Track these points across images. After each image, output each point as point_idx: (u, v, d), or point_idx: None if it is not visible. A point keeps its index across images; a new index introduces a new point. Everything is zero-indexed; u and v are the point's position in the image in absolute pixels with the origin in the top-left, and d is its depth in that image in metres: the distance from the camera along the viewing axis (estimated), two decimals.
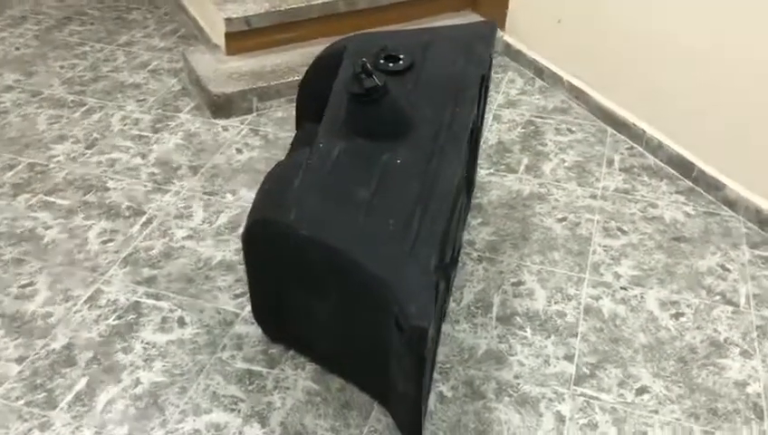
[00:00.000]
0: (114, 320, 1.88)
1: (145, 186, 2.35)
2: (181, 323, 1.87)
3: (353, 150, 1.63)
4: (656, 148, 2.49)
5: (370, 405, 1.67)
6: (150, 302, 1.93)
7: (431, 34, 2.02)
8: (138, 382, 1.72)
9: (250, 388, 1.71)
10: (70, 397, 1.67)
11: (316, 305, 1.60)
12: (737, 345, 1.83)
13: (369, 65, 1.62)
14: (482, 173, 2.43)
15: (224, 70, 2.78)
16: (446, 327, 1.87)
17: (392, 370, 1.52)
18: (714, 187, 2.31)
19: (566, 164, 2.48)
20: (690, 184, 2.38)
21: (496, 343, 1.83)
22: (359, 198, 1.51)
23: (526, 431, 1.62)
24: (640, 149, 2.55)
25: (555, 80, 2.87)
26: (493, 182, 2.39)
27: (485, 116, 2.68)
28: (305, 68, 2.77)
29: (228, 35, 2.82)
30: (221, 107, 2.68)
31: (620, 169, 2.45)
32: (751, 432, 1.63)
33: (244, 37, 2.84)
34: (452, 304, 1.94)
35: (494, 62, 3.05)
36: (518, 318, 1.90)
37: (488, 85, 2.08)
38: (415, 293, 1.34)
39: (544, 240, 2.15)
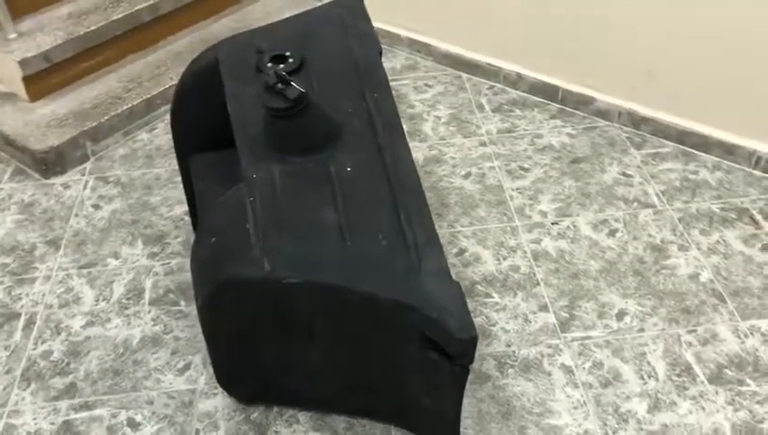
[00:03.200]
0: None
1: (2, 283, 1.93)
2: (133, 425, 1.58)
3: (294, 172, 1.43)
4: (515, 81, 2.53)
5: (388, 431, 1.54)
6: (83, 415, 1.60)
7: (302, 23, 1.83)
8: None
9: None
10: None
11: (304, 351, 1.42)
12: (672, 242, 1.94)
13: (284, 74, 1.42)
14: None
15: (36, 120, 2.35)
16: None
17: (416, 388, 1.40)
18: (582, 102, 2.41)
19: (443, 119, 2.44)
20: (559, 106, 2.46)
21: (473, 318, 1.76)
22: (329, 222, 1.34)
23: (546, 395, 1.59)
24: (500, 86, 2.58)
25: (392, 39, 2.80)
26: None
27: None
28: (130, 94, 2.48)
29: (27, 79, 2.37)
30: (52, 163, 2.26)
31: (493, 110, 2.47)
32: (722, 316, 1.75)
33: (45, 76, 2.41)
34: None
35: None
36: (479, 286, 1.85)
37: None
38: (445, 305, 1.22)
39: (462, 200, 2.11)
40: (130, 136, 2.42)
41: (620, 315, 1.76)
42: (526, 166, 2.22)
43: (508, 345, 1.70)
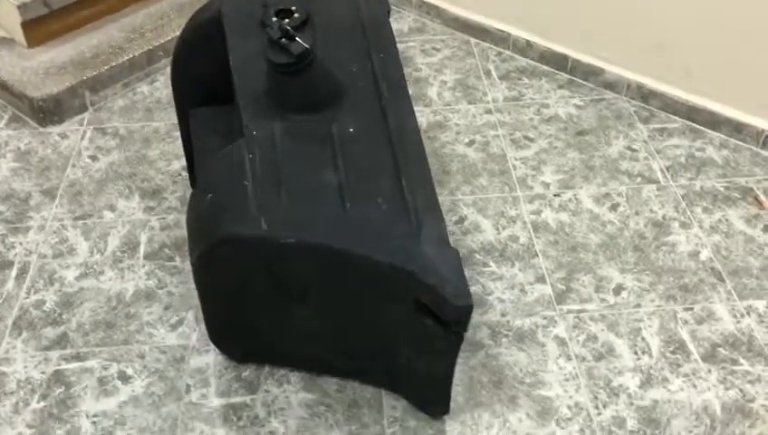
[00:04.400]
0: (38, 402, 1.53)
1: None
2: (124, 378, 1.57)
3: (295, 130, 1.40)
4: (525, 48, 2.49)
5: (378, 395, 1.54)
6: (74, 366, 1.60)
7: None
8: None
9: (241, 423, 1.49)
10: None
11: (297, 313, 1.41)
12: (674, 219, 1.92)
13: (289, 28, 1.38)
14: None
15: (34, 67, 2.31)
16: None
17: (409, 354, 1.39)
18: (591, 73, 2.36)
19: (448, 84, 2.40)
20: (568, 76, 2.41)
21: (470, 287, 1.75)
22: (329, 183, 1.32)
23: (538, 365, 1.59)
24: (509, 52, 2.53)
25: (401, 0, 2.75)
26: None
27: None
28: (131, 44, 2.43)
29: (26, 24, 2.32)
30: (49, 112, 2.23)
31: (500, 78, 2.43)
32: (720, 295, 1.73)
33: (45, 22, 2.36)
34: None
35: None
36: (477, 255, 1.83)
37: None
38: (443, 272, 1.20)
39: (464, 168, 2.08)
40: (130, 88, 2.38)
41: (617, 290, 1.75)
42: (531, 136, 2.19)
43: (503, 315, 1.69)
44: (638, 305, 1.71)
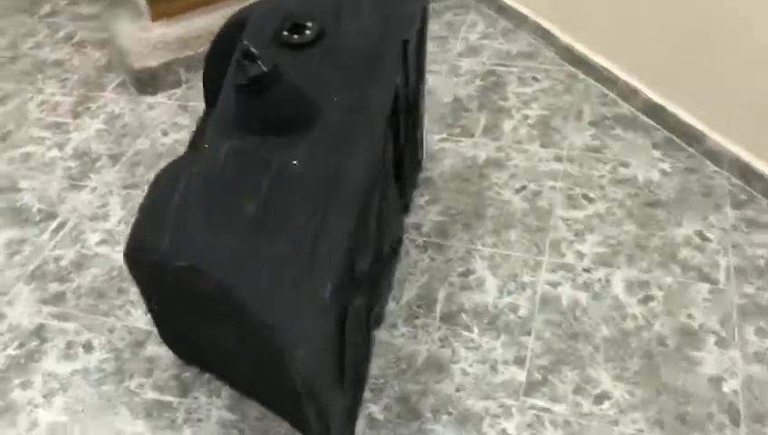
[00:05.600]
0: (15, 349, 1.69)
1: (59, 183, 2.13)
2: (88, 347, 1.68)
3: (243, 152, 1.38)
4: (630, 94, 2.19)
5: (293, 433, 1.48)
6: (56, 324, 1.74)
7: None
8: (35, 424, 1.54)
9: (159, 423, 1.52)
10: None
11: (215, 334, 1.39)
12: (714, 332, 1.59)
13: (252, 49, 1.34)
14: (434, 139, 2.16)
15: (148, 39, 2.50)
16: (381, 334, 1.65)
17: (304, 406, 1.32)
18: (694, 138, 2.02)
19: (529, 121, 2.19)
20: (668, 135, 2.09)
21: (438, 349, 1.61)
22: (247, 214, 1.27)
23: None
24: (613, 96, 2.25)
25: (520, 20, 2.55)
26: (446, 150, 2.12)
27: (439, 68, 2.40)
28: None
29: (152, 2, 2.52)
30: (146, 83, 2.41)
31: (590, 123, 2.17)
32: None
33: (169, 0, 2.55)
34: (391, 304, 1.72)
35: (452, 2, 2.74)
36: (464, 315, 1.68)
37: (422, 42, 1.79)
38: (304, 334, 1.12)
39: (500, 216, 1.90)
40: None
41: (600, 398, 1.50)
42: (592, 196, 1.94)
43: (458, 389, 1.53)
44: (616, 423, 1.45)
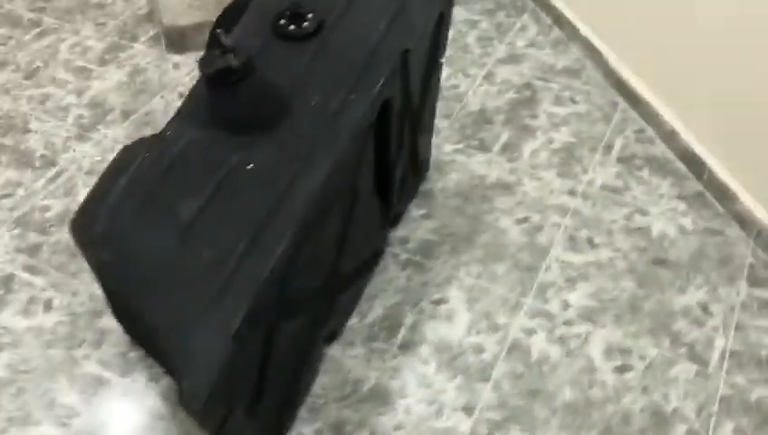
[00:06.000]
0: None
1: (68, 131, 2.12)
2: (48, 306, 1.67)
3: (201, 146, 1.31)
4: (668, 135, 2.01)
5: None
6: (25, 276, 1.74)
7: None
8: None
9: (92, 399, 1.50)
10: None
11: (138, 327, 1.35)
12: (687, 421, 1.45)
13: (223, 38, 1.26)
14: (447, 149, 2.04)
15: (185, 8, 2.45)
16: (335, 350, 1.58)
17: None
18: (726, 196, 1.83)
19: (553, 145, 2.04)
20: (699, 188, 1.91)
21: (388, 379, 1.53)
22: (181, 215, 1.21)
23: None
24: (651, 133, 2.07)
25: (573, 32, 2.37)
26: (456, 162, 2.00)
27: (474, 72, 2.26)
28: None
29: None
30: (174, 41, 2.37)
31: (619, 159, 2.00)
32: None
33: None
34: (353, 319, 1.64)
35: (507, 1, 2.58)
36: (425, 347, 1.58)
37: (436, 47, 1.67)
38: (195, 363, 1.06)
39: (492, 246, 1.78)
40: None
41: None
42: (597, 241, 1.79)
43: (397, 428, 1.45)
44: None
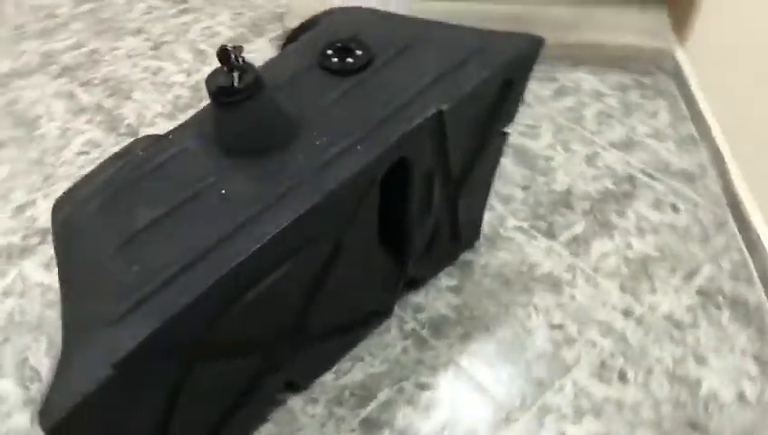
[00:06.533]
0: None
1: (163, 107, 2.20)
2: None
3: (189, 157, 1.27)
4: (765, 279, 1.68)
5: None
6: None
7: (434, 31, 1.49)
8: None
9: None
10: None
11: None
12: None
13: (234, 55, 1.21)
14: (509, 223, 1.86)
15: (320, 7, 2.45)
16: (295, 402, 1.48)
17: None
18: None
19: (629, 253, 1.78)
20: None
21: None
22: (135, 222, 1.17)
23: None
24: (753, 272, 1.73)
25: (705, 131, 2.07)
26: (512, 241, 1.81)
27: (577, 148, 2.04)
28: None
29: None
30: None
31: (699, 290, 1.70)
32: None
33: None
34: (329, 376, 1.52)
35: (650, 81, 2.32)
36: (387, 432, 1.43)
37: (498, 119, 1.50)
38: (66, 380, 1.01)
39: (510, 344, 1.58)
40: None
41: None
42: (630, 376, 1.53)
43: None
44: None
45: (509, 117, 1.55)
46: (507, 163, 2.02)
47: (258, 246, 1.12)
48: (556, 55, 2.37)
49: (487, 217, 1.85)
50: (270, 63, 1.46)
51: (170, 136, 1.32)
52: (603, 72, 2.37)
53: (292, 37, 1.61)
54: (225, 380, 1.25)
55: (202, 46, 2.46)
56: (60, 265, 1.19)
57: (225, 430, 1.35)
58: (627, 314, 1.65)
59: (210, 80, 1.22)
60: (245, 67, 1.21)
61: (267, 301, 1.22)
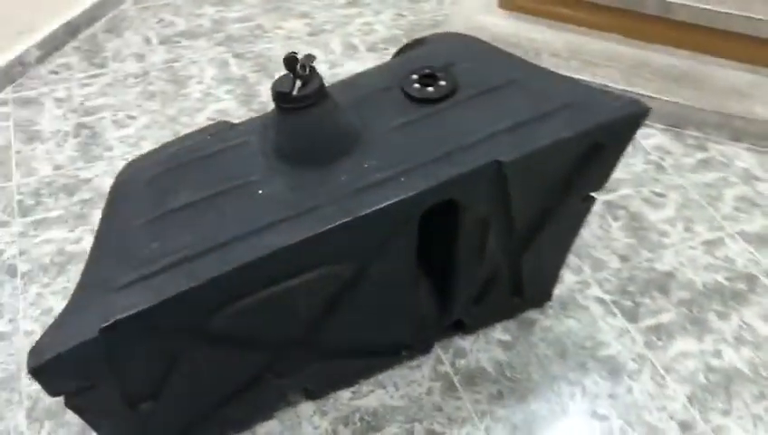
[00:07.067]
0: None
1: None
2: None
3: (244, 151, 1.31)
4: None
5: None
6: None
7: (534, 76, 1.40)
8: None
9: None
10: None
11: None
12: None
13: (302, 64, 1.22)
14: (590, 292, 1.71)
15: (476, 23, 2.40)
16: (306, 408, 1.48)
17: None
18: None
19: (714, 362, 1.57)
20: None
21: None
22: (173, 200, 1.24)
23: None
24: None
25: None
26: (586, 311, 1.67)
27: (700, 231, 1.84)
28: (552, 59, 2.27)
29: None
30: None
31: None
32: None
33: None
34: (346, 394, 1.51)
35: None
36: None
37: (580, 181, 1.38)
38: (52, 337, 1.09)
39: (540, 421, 1.47)
40: None
41: None
42: None
43: None
44: None
45: (596, 183, 1.43)
46: (615, 227, 1.86)
47: (266, 253, 1.14)
48: (715, 122, 2.13)
49: (569, 278, 1.73)
50: (356, 77, 1.46)
51: (240, 126, 1.37)
52: (766, 153, 2.09)
53: (400, 52, 1.59)
54: (223, 369, 1.29)
55: (355, 41, 2.51)
56: (100, 221, 1.29)
57: (220, 416, 1.39)
58: (685, 428, 1.46)
59: (276, 83, 1.24)
60: (309, 77, 1.22)
61: (276, 307, 1.23)
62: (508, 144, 1.26)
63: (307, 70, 1.22)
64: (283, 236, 1.16)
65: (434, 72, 1.38)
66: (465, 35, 1.58)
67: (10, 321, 1.65)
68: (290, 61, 1.21)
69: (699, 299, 1.70)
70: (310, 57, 1.24)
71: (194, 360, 1.22)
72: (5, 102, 2.27)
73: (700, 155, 2.09)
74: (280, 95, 1.22)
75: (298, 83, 1.22)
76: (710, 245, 1.83)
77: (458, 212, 1.29)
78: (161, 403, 1.26)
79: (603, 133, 1.31)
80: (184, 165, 1.30)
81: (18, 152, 2.10)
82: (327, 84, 1.27)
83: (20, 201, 1.94)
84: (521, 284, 1.57)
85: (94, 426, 1.24)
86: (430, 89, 1.35)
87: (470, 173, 1.23)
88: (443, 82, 1.36)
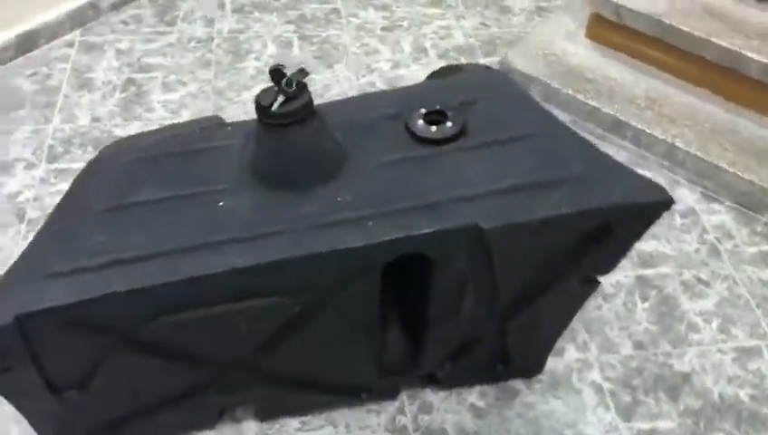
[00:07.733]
0: None
1: (348, 89, 2.19)
2: None
3: (221, 156, 1.24)
4: None
5: None
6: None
7: (556, 137, 1.26)
8: None
9: None
10: None
11: None
12: None
13: (288, 79, 1.12)
14: (591, 376, 1.54)
15: (554, 49, 2.22)
16: (249, 428, 1.42)
17: None
18: None
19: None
20: None
21: None
22: (137, 194, 1.18)
23: None
24: None
25: None
26: (578, 395, 1.51)
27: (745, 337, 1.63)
28: (625, 105, 2.08)
29: (594, 16, 2.19)
30: None
31: None
32: None
33: (609, 28, 2.17)
34: (294, 423, 1.43)
35: None
36: None
37: (581, 260, 1.22)
38: None
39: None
40: None
41: None
42: None
43: None
44: None
45: (601, 266, 1.26)
46: (640, 308, 1.67)
47: (208, 272, 1.07)
48: None
49: (571, 354, 1.58)
50: (367, 96, 1.36)
51: (229, 127, 1.30)
52: None
53: (433, 75, 1.47)
54: (158, 376, 1.23)
55: (426, 44, 2.38)
56: (65, 194, 1.25)
57: (157, 418, 1.34)
58: None
59: (261, 94, 1.15)
60: (294, 94, 1.13)
61: (216, 326, 1.16)
62: (497, 208, 1.13)
63: (293, 86, 1.13)
64: (230, 257, 1.09)
65: (445, 111, 1.25)
66: (502, 74, 1.45)
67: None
68: (275, 74, 1.12)
69: (710, 413, 1.50)
70: (302, 72, 1.15)
71: (123, 362, 1.17)
72: (71, 44, 2.30)
73: (766, 247, 1.85)
74: (260, 108, 1.14)
75: (280, 99, 1.13)
76: (743, 353, 1.61)
77: (432, 266, 1.18)
78: (89, 394, 1.23)
79: (616, 215, 1.15)
80: (159, 157, 1.25)
81: (67, 96, 2.12)
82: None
83: (51, 146, 1.96)
84: (506, 351, 1.43)
85: (17, 407, 1.22)
86: (434, 128, 1.23)
87: (445, 232, 1.11)
88: (449, 124, 1.23)
